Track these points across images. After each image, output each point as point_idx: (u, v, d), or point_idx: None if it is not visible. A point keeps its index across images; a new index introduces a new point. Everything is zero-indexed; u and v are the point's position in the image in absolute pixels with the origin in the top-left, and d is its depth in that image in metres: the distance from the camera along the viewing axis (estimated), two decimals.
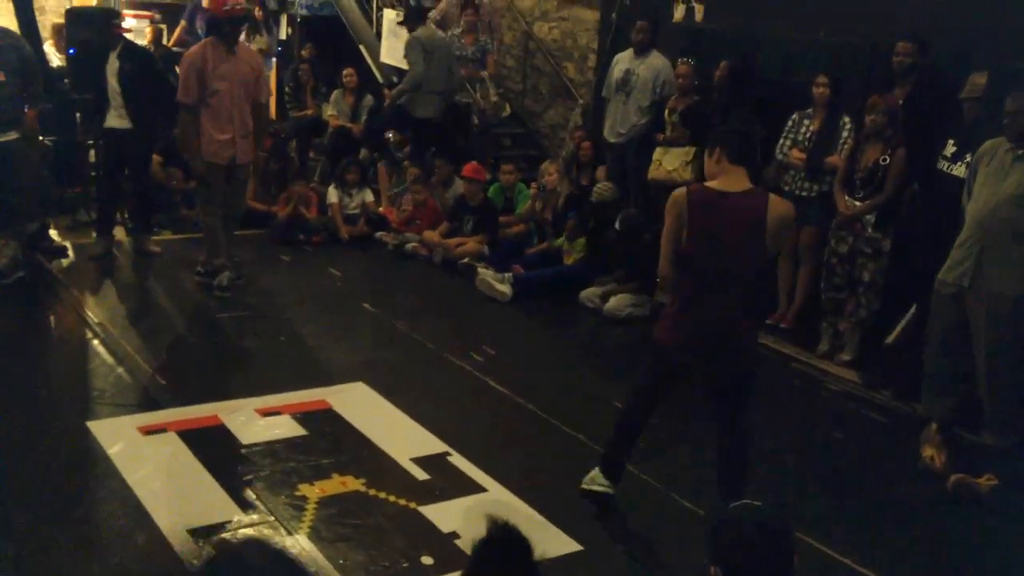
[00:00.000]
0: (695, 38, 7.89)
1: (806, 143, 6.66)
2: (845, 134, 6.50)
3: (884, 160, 6.07)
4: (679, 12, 8.03)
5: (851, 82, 6.68)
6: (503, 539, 2.33)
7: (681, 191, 4.07)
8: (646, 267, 7.19)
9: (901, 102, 6.15)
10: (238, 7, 6.82)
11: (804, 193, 6.66)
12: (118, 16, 7.99)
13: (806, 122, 6.72)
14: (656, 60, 7.85)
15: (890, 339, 5.96)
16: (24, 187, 7.04)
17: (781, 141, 6.80)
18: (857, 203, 6.17)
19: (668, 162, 7.47)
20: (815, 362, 6.39)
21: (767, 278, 3.94)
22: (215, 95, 6.66)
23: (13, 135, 6.92)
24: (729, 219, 3.93)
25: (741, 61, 7.32)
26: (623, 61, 8.01)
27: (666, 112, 7.58)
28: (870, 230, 6.15)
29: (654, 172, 7.55)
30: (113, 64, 7.34)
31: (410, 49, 8.79)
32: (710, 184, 4.07)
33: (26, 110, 7.00)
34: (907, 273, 6.05)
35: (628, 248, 7.25)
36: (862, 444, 5.44)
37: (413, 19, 8.93)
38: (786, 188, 6.73)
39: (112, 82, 7.32)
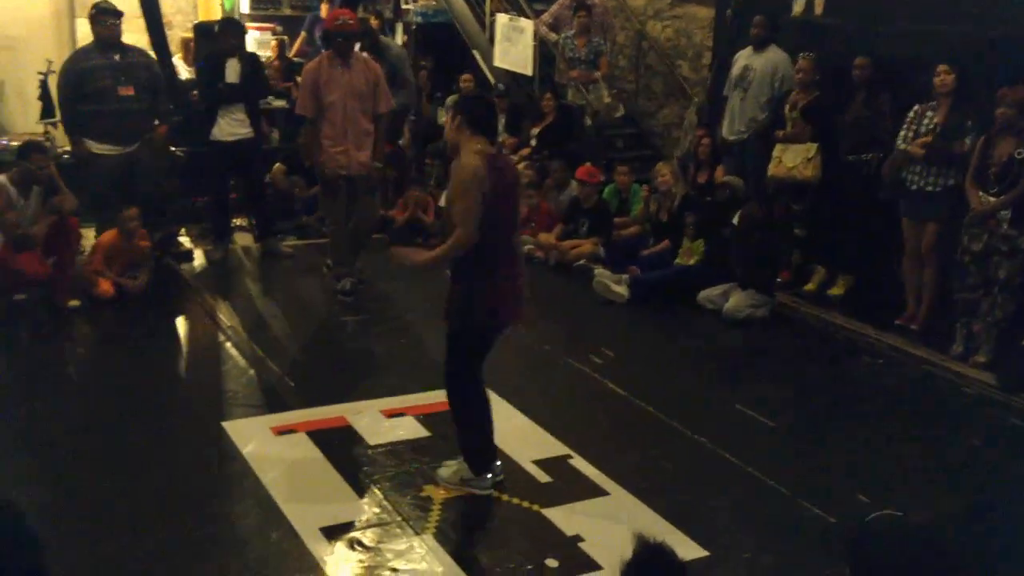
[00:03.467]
0: (815, 32, 7.68)
1: (929, 135, 6.41)
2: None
3: (1019, 154, 5.82)
4: (799, 6, 7.84)
5: (975, 75, 6.40)
6: (657, 563, 2.13)
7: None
8: (762, 267, 7.07)
9: None
10: (350, 21, 6.98)
11: (930, 188, 6.41)
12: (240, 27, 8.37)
13: (929, 114, 6.47)
14: (774, 55, 7.69)
15: None
16: (147, 196, 7.36)
17: (903, 132, 6.56)
18: (991, 199, 5.92)
19: (788, 159, 7.29)
20: (949, 364, 6.14)
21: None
22: (330, 107, 6.80)
23: (138, 146, 7.28)
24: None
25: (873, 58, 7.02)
26: (743, 57, 7.87)
27: (786, 108, 7.41)
28: (1005, 226, 5.88)
29: (774, 169, 7.39)
30: (234, 67, 7.63)
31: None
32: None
33: (156, 124, 7.38)
34: None
35: (743, 246, 7.10)
36: (1002, 451, 5.20)
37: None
38: (909, 183, 6.50)
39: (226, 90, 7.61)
